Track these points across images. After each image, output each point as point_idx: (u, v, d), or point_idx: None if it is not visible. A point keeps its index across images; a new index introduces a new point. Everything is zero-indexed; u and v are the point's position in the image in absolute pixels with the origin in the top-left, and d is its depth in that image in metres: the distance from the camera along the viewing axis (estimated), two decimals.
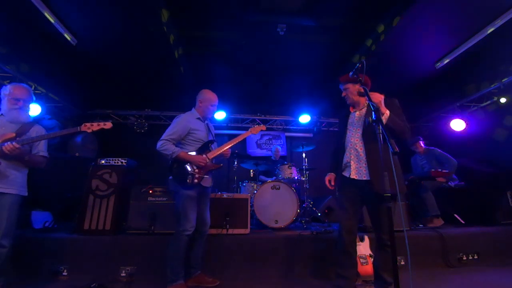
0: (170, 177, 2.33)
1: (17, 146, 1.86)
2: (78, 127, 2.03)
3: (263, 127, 2.69)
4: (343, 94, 2.08)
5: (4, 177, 1.90)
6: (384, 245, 1.82)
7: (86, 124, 2.05)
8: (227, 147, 2.45)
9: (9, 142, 1.84)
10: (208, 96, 2.52)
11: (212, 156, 2.38)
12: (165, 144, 2.25)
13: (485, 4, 2.89)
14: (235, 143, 2.51)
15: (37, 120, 3.86)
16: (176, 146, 2.30)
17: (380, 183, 1.71)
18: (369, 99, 1.71)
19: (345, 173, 1.97)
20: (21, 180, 2.02)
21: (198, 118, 2.46)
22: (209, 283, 2.35)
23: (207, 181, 2.40)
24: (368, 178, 1.83)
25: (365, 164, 1.86)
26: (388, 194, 1.45)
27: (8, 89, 2.04)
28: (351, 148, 1.95)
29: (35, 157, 2.06)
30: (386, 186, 1.45)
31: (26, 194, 2.05)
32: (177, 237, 2.17)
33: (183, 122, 2.37)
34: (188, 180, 2.23)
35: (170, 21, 3.26)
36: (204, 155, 2.32)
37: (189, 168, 2.27)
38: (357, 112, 2.02)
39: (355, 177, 1.89)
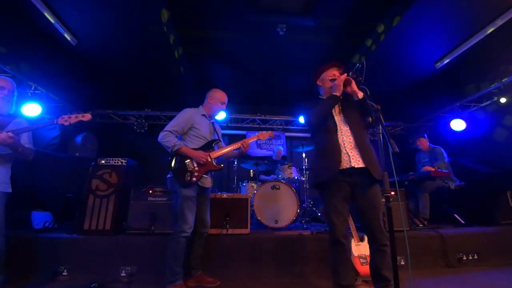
0: (169, 175, 2.29)
1: (11, 135, 1.79)
2: (55, 120, 1.95)
3: (271, 133, 2.60)
4: (334, 82, 1.85)
5: None
6: (381, 244, 1.68)
7: (64, 116, 1.96)
8: (229, 148, 2.40)
9: (3, 132, 1.79)
10: (218, 94, 2.50)
11: (215, 156, 2.32)
12: (167, 136, 2.20)
13: (485, 4, 2.89)
14: (238, 146, 2.41)
15: (37, 119, 3.87)
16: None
17: (375, 168, 1.70)
18: (368, 97, 1.70)
19: (336, 165, 1.75)
20: (3, 176, 1.93)
21: (203, 115, 2.42)
22: (210, 283, 2.35)
23: (206, 181, 2.34)
24: (364, 165, 1.73)
25: (358, 151, 1.76)
26: (388, 194, 1.45)
27: None
28: (343, 135, 1.81)
29: (26, 148, 1.98)
30: (386, 186, 1.45)
31: (10, 190, 1.96)
32: (175, 239, 2.14)
33: (186, 114, 2.33)
34: (186, 178, 2.17)
35: (170, 21, 3.26)
36: (207, 152, 2.28)
37: (188, 165, 2.21)
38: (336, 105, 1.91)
39: (354, 165, 1.73)
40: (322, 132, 1.87)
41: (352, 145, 1.78)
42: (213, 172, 2.42)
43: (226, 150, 2.38)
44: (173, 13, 3.19)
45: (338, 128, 1.83)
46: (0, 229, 1.88)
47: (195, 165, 2.23)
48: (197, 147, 2.30)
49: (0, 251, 1.87)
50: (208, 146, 2.35)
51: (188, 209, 2.17)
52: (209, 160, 2.28)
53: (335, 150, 1.77)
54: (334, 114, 1.88)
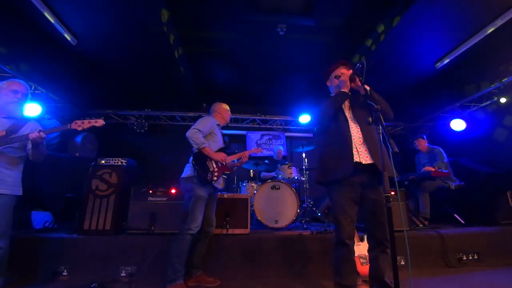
0: (183, 175, 2.40)
1: (43, 135, 1.87)
2: (68, 125, 1.95)
3: (261, 150, 2.96)
4: (339, 78, 1.88)
5: None
6: (383, 249, 1.69)
7: (77, 121, 1.96)
8: (238, 155, 2.65)
9: (36, 131, 1.85)
10: (224, 106, 2.76)
11: (228, 160, 2.55)
12: (198, 133, 2.36)
13: (485, 4, 2.89)
14: (240, 155, 2.69)
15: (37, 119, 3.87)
16: None
17: (380, 163, 1.64)
18: (369, 98, 1.70)
19: (350, 163, 1.73)
20: (14, 179, 1.94)
21: (218, 124, 2.66)
22: (210, 283, 2.36)
23: (220, 181, 2.52)
24: (371, 162, 1.72)
25: (366, 147, 1.77)
26: (388, 194, 1.45)
27: (5, 83, 2.01)
28: (353, 131, 1.82)
29: (45, 150, 2.05)
30: (387, 187, 1.45)
31: (21, 193, 1.98)
32: (181, 236, 2.19)
33: (210, 120, 2.55)
34: (208, 177, 2.32)
35: (170, 21, 3.26)
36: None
37: (210, 165, 2.39)
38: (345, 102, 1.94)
39: (361, 161, 1.73)
40: (333, 128, 1.87)
41: (361, 141, 1.79)
42: (225, 174, 2.64)
43: (236, 156, 2.65)
44: (173, 13, 3.19)
45: (349, 124, 1.85)
46: (7, 232, 1.88)
47: (215, 165, 2.41)
48: (215, 151, 2.49)
49: (5, 253, 1.87)
50: (222, 151, 2.55)
51: (199, 208, 2.28)
52: (224, 163, 2.50)
53: (347, 145, 1.77)
54: (345, 111, 1.91)
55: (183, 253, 2.19)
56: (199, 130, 2.37)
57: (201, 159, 2.38)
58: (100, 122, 2.01)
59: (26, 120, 2.08)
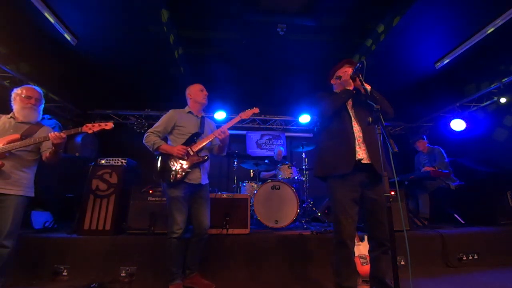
0: None
1: (64, 136, 1.92)
2: (80, 128, 2.04)
3: (255, 109, 2.49)
4: (341, 79, 1.93)
5: (9, 178, 1.90)
6: (384, 249, 1.70)
7: (88, 124, 2.05)
8: (209, 139, 2.33)
9: (56, 131, 1.91)
10: (193, 86, 2.53)
11: (196, 149, 2.27)
12: (148, 136, 2.27)
13: (485, 4, 2.89)
14: (216, 134, 2.31)
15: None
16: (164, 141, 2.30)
17: (379, 164, 1.65)
18: (369, 97, 1.71)
19: (352, 158, 1.74)
20: (27, 181, 2.01)
21: (189, 112, 2.45)
22: (204, 286, 2.25)
23: (194, 177, 2.23)
24: (369, 162, 1.73)
25: (364, 147, 1.77)
26: (388, 194, 1.45)
27: (19, 89, 2.11)
28: (354, 128, 1.83)
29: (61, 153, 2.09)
30: (386, 186, 1.45)
31: (33, 195, 2.05)
32: (167, 240, 2.16)
33: (168, 115, 2.38)
34: (171, 177, 2.15)
35: (170, 21, 3.26)
36: (186, 147, 2.24)
37: (172, 163, 2.21)
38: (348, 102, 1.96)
39: (362, 161, 1.74)
40: (335, 126, 1.88)
41: (360, 140, 1.80)
42: (202, 166, 2.32)
43: (206, 141, 2.32)
44: (173, 13, 3.19)
45: (352, 122, 1.86)
46: (15, 232, 1.91)
47: (178, 162, 2.21)
48: (183, 142, 2.29)
49: (11, 253, 1.88)
50: (190, 140, 2.31)
51: (176, 209, 2.15)
52: (191, 153, 2.24)
53: (350, 143, 1.77)
54: (349, 108, 1.91)
55: (174, 256, 2.14)
56: (151, 132, 2.26)
57: (164, 159, 2.23)
58: (109, 125, 2.09)
59: (41, 125, 2.15)
